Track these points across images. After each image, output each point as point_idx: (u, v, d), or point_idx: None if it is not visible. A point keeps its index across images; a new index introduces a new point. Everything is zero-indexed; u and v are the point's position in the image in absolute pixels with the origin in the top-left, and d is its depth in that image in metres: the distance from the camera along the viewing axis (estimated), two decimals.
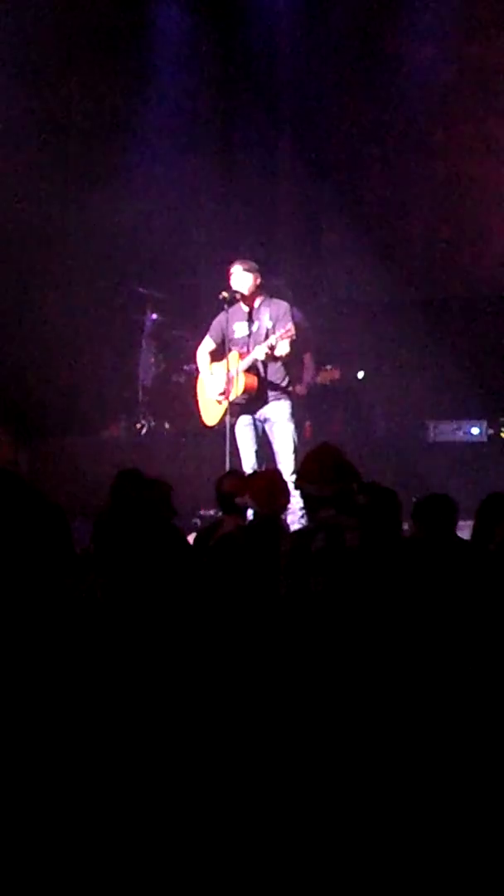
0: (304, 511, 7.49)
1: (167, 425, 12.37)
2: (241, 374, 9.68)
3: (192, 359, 10.56)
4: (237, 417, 9.77)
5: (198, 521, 10.07)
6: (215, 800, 3.78)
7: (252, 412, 9.78)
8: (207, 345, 10.03)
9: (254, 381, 9.70)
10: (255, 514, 7.05)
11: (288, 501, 7.20)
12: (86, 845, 3.69)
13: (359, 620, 4.33)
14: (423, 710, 4.06)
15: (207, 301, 10.50)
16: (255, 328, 9.76)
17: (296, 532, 6.62)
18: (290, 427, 9.75)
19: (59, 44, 12.40)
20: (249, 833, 3.71)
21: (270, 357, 9.56)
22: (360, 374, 13.04)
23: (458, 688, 4.17)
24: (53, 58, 12.36)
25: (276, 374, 9.74)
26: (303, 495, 5.55)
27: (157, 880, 3.64)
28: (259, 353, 9.56)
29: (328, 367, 12.28)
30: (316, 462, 5.46)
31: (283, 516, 7.37)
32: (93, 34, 12.65)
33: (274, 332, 9.58)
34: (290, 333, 9.50)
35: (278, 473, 8.05)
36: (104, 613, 4.50)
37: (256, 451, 9.78)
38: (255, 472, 8.80)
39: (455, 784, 3.88)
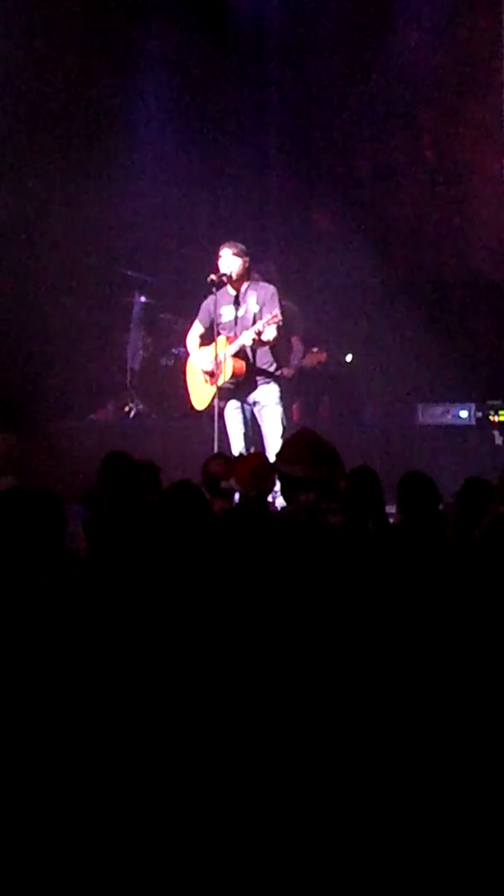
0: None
1: (156, 409, 12.35)
2: (228, 359, 9.69)
3: (181, 342, 10.58)
4: (226, 401, 9.79)
5: None
6: (212, 795, 3.79)
7: (240, 396, 9.80)
8: (197, 329, 10.04)
9: (242, 365, 9.71)
10: (240, 497, 7.07)
11: (274, 485, 7.21)
12: (84, 842, 3.69)
13: (342, 605, 4.33)
14: (412, 692, 4.07)
15: (196, 284, 10.50)
16: (241, 312, 9.78)
17: (274, 515, 6.61)
18: (279, 411, 9.78)
19: (51, 37, 12.37)
20: (248, 831, 3.71)
21: (258, 342, 9.58)
22: (349, 358, 13.04)
23: (446, 671, 4.17)
24: (45, 50, 12.33)
25: (263, 358, 9.76)
26: (280, 478, 5.46)
27: (156, 875, 3.64)
28: (246, 338, 9.58)
29: (315, 349, 12.29)
30: (294, 444, 5.39)
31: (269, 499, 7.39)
32: (83, 27, 12.61)
33: (261, 317, 9.59)
34: (276, 318, 9.52)
35: (264, 457, 8.06)
36: (93, 597, 4.51)
37: (245, 435, 9.80)
38: (240, 456, 8.82)
39: (443, 769, 3.89)
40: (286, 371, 10.54)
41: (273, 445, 9.60)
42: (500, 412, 12.01)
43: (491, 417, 12.22)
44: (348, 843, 3.69)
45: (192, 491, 5.02)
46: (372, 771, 3.83)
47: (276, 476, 5.81)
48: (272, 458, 9.01)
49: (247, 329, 9.63)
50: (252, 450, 9.65)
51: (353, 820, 3.74)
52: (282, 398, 9.86)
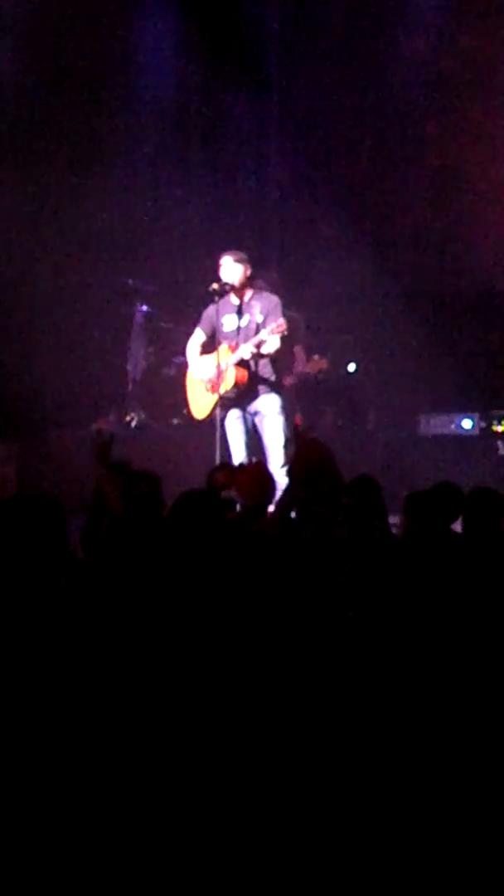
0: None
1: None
2: (230, 368, 9.63)
3: (182, 351, 10.52)
4: (227, 411, 9.74)
5: None
6: (215, 797, 3.76)
7: (242, 406, 9.75)
8: (198, 337, 9.99)
9: (244, 375, 9.66)
10: (240, 507, 7.04)
11: (273, 494, 7.18)
12: (84, 843, 3.66)
13: (350, 612, 4.31)
14: (418, 697, 4.04)
15: (198, 293, 10.45)
16: (244, 322, 9.72)
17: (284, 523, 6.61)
18: (280, 420, 9.72)
19: (52, 46, 12.35)
20: (249, 832, 3.68)
21: (259, 354, 9.53)
22: (352, 367, 13.00)
23: (451, 674, 4.15)
24: (45, 59, 12.31)
25: (265, 368, 9.71)
26: (290, 491, 5.55)
27: (156, 876, 3.61)
28: (249, 348, 9.52)
29: (316, 356, 12.25)
30: (303, 463, 5.48)
31: (269, 509, 7.35)
32: (82, 32, 12.59)
33: (264, 327, 9.54)
34: (281, 328, 9.47)
35: (263, 467, 8.03)
36: (95, 606, 4.46)
37: (246, 444, 9.76)
38: (240, 466, 8.78)
39: (448, 773, 3.86)
40: (288, 380, 10.49)
41: (274, 455, 9.56)
42: None
43: (494, 427, 12.20)
44: (348, 840, 3.66)
45: (204, 500, 4.99)
46: (383, 779, 3.80)
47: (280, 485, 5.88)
48: (273, 469, 9.05)
49: (250, 339, 9.57)
50: (253, 459, 9.60)
51: (354, 823, 3.71)
52: (283, 408, 9.81)
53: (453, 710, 4.03)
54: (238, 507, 7.26)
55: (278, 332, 9.48)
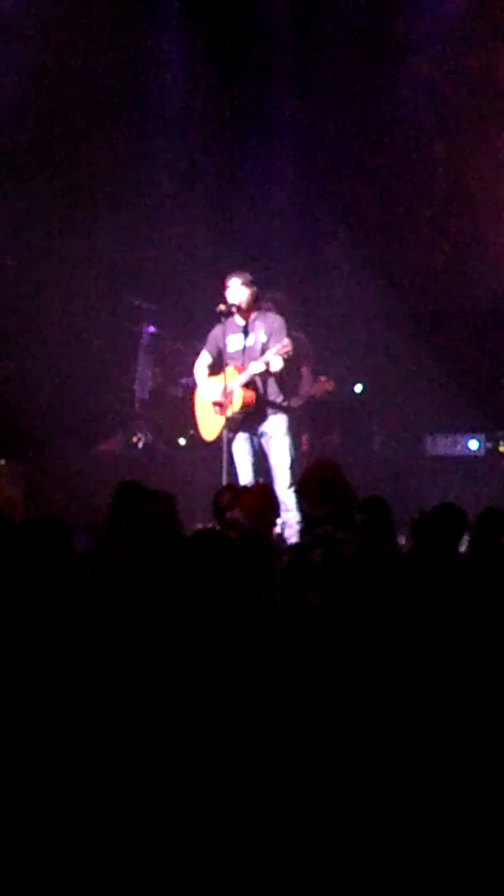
0: (301, 525, 7.48)
1: (182, 440, 12.29)
2: (238, 389, 9.65)
3: (190, 372, 10.53)
4: (235, 432, 9.74)
5: None
6: (215, 814, 3.75)
7: (249, 427, 9.75)
8: (204, 359, 10.00)
9: (251, 396, 9.67)
10: (244, 529, 7.04)
11: (277, 516, 7.21)
12: (85, 850, 3.67)
13: (357, 635, 4.30)
14: (423, 722, 4.03)
15: (204, 313, 10.47)
16: (249, 342, 9.73)
17: (292, 546, 6.62)
18: (287, 441, 9.73)
19: (61, 65, 12.42)
20: (248, 843, 3.68)
21: (266, 372, 9.54)
22: (358, 388, 13.01)
23: (458, 697, 4.14)
24: (54, 75, 12.36)
25: (272, 388, 9.72)
26: (301, 512, 5.59)
27: (157, 881, 3.62)
28: (256, 369, 9.53)
29: (323, 378, 12.25)
30: (313, 481, 5.49)
31: (274, 530, 7.37)
32: (91, 55, 12.65)
33: (270, 347, 9.55)
34: (286, 349, 9.49)
35: (267, 488, 8.05)
36: (106, 628, 4.46)
37: (253, 466, 9.75)
38: (244, 487, 8.80)
39: (451, 799, 3.86)
40: (295, 401, 10.50)
41: (281, 476, 9.56)
42: None
43: (500, 448, 12.21)
44: (346, 853, 3.67)
45: (218, 540, 5.00)
46: (383, 789, 3.80)
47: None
48: (280, 490, 9.06)
49: (255, 359, 9.58)
50: (260, 480, 9.60)
51: (349, 839, 3.72)
52: (290, 428, 9.82)
53: (462, 725, 4.03)
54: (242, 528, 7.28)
55: (283, 354, 9.50)
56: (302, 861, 3.68)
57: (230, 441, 9.71)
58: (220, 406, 9.74)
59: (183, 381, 11.96)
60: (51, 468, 11.55)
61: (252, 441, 9.78)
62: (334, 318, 13.43)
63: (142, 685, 4.06)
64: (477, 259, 13.29)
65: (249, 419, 9.72)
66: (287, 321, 9.91)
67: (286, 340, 9.54)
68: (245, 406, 9.66)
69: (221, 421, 9.76)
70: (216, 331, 9.88)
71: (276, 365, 9.52)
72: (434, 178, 13.48)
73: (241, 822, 3.75)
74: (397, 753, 3.92)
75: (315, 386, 11.93)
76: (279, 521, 8.70)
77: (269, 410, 9.72)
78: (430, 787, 3.87)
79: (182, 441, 12.09)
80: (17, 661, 4.17)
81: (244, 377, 9.62)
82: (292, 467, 9.55)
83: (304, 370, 11.62)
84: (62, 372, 12.30)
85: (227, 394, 9.66)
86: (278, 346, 9.50)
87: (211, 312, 9.90)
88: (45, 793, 3.80)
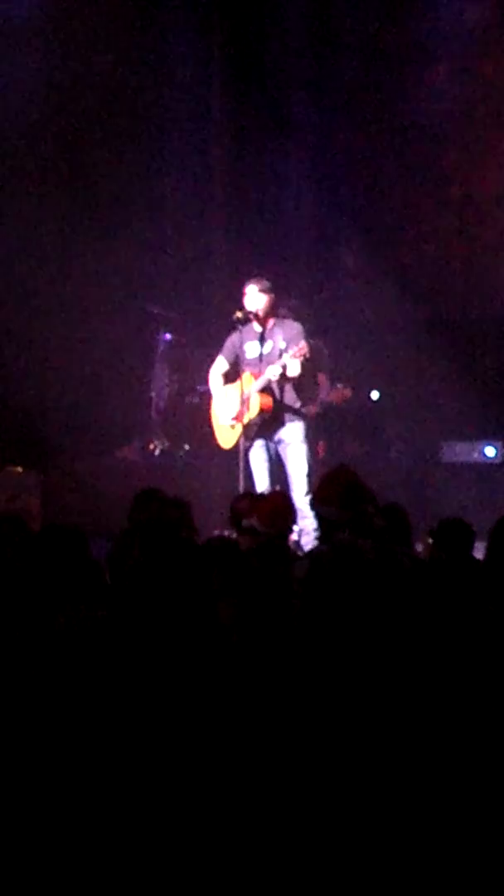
0: (318, 532, 7.48)
1: (186, 446, 12.30)
2: (255, 395, 9.65)
3: (206, 379, 10.53)
4: (252, 440, 9.72)
5: None
6: (231, 819, 3.76)
7: (266, 434, 9.74)
8: (220, 365, 10.00)
9: (269, 401, 9.66)
10: (261, 536, 7.06)
11: (294, 522, 7.22)
12: (89, 851, 3.67)
13: (374, 641, 4.30)
14: (435, 730, 4.03)
15: (221, 321, 10.48)
16: (267, 349, 9.73)
17: (309, 553, 6.62)
18: (304, 448, 9.72)
19: (75, 74, 12.45)
20: (254, 845, 3.69)
21: (284, 377, 9.53)
22: (375, 395, 13.00)
23: (480, 705, 4.14)
24: (68, 85, 12.39)
25: (290, 395, 9.71)
26: (318, 518, 5.56)
27: (157, 882, 3.62)
28: (273, 372, 9.53)
29: (340, 385, 12.26)
30: (332, 485, 5.47)
31: (291, 537, 7.38)
32: (110, 70, 12.68)
33: (287, 352, 9.54)
34: (303, 351, 9.47)
35: (284, 495, 8.06)
36: (124, 635, 4.47)
37: (270, 473, 9.74)
38: (261, 495, 8.81)
39: (460, 805, 3.86)
40: (312, 408, 10.50)
41: (298, 483, 9.56)
42: None
43: None
44: (346, 861, 3.67)
45: (226, 547, 5.01)
46: (389, 800, 3.81)
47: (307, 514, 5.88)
48: (296, 497, 9.06)
49: (272, 365, 9.58)
50: (277, 487, 9.61)
51: (350, 845, 3.72)
52: (307, 436, 9.81)
53: (484, 733, 4.03)
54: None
55: (299, 357, 9.47)
56: (303, 861, 3.68)
57: (247, 449, 9.71)
58: (236, 417, 9.72)
59: (200, 387, 11.97)
60: (69, 476, 11.56)
61: (269, 448, 9.78)
62: (350, 325, 13.42)
63: (156, 691, 4.06)
64: (493, 266, 13.28)
65: (266, 425, 9.71)
66: (304, 328, 9.92)
67: (302, 343, 9.53)
68: (262, 412, 9.66)
69: (238, 429, 9.76)
70: (233, 337, 9.88)
71: (294, 369, 9.50)
72: (450, 185, 13.48)
73: (257, 825, 3.76)
74: (417, 757, 3.92)
75: (333, 393, 11.93)
76: (296, 528, 8.71)
77: (287, 417, 9.72)
78: (445, 790, 3.86)
79: (186, 446, 12.08)
80: (34, 666, 4.19)
81: (261, 382, 9.62)
82: (310, 475, 9.54)
83: (322, 377, 11.62)
84: (79, 380, 12.32)
85: (244, 400, 9.66)
86: (294, 349, 9.49)
87: (228, 319, 9.90)
88: (59, 795, 3.81)
